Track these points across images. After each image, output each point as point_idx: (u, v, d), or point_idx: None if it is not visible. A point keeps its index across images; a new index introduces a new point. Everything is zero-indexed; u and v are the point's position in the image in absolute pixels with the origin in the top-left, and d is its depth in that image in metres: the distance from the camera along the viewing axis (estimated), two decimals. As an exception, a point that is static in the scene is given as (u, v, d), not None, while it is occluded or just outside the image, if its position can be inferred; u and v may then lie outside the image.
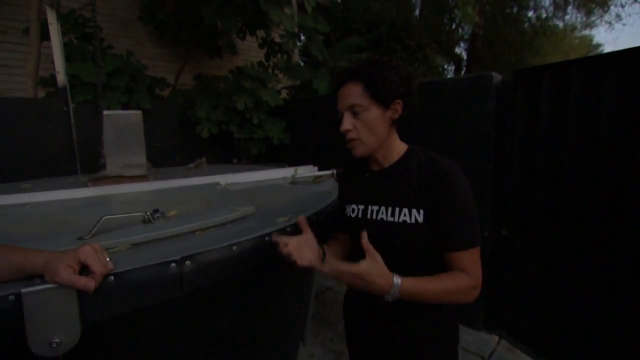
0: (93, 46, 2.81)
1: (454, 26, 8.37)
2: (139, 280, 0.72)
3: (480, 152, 2.26)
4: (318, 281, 2.87)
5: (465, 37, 9.11)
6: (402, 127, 0.97)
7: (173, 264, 0.76)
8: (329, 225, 1.20)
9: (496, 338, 2.41)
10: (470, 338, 2.41)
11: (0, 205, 1.36)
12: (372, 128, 0.89)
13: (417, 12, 7.94)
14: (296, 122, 3.92)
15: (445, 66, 9.91)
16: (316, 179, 2.04)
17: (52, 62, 2.80)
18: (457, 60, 9.64)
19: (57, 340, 0.63)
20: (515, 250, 2.23)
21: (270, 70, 4.06)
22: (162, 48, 4.93)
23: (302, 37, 4.43)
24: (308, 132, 3.78)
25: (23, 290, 0.61)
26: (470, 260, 0.86)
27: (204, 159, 2.91)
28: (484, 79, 2.20)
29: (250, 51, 4.62)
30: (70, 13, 3.49)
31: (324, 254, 0.99)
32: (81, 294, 0.64)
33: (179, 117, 3.88)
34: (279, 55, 3.95)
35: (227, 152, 4.19)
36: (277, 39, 3.63)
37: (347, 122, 0.90)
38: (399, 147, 0.97)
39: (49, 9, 2.76)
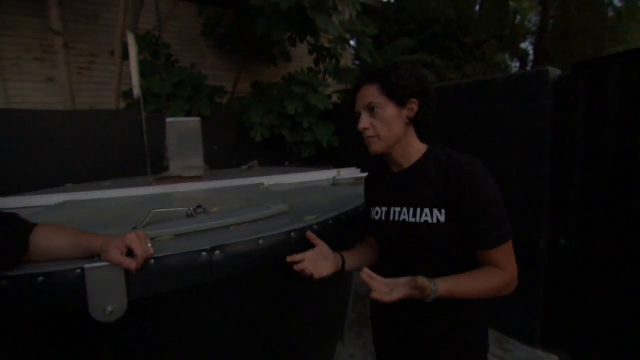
0: (159, 62, 3.17)
1: (518, 19, 7.75)
2: (175, 265, 0.83)
3: (535, 153, 2.10)
4: (360, 283, 2.88)
5: (533, 29, 8.37)
6: (420, 127, 0.98)
7: (204, 253, 0.86)
8: (361, 226, 1.23)
9: (555, 358, 2.20)
10: (523, 355, 2.23)
11: (82, 200, 1.62)
12: (388, 125, 0.92)
13: (477, 8, 7.53)
14: (345, 126, 3.98)
15: (509, 63, 9.18)
16: (357, 181, 2.07)
17: (131, 77, 3.23)
18: (522, 56, 8.89)
19: (110, 309, 0.76)
20: (577, 261, 2.03)
21: (320, 75, 4.18)
22: (221, 59, 5.34)
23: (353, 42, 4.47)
24: (357, 135, 3.80)
25: (86, 266, 0.76)
26: (505, 256, 0.86)
27: (255, 161, 3.11)
28: (539, 74, 2.05)
29: (303, 57, 4.80)
30: (146, 34, 3.97)
31: (343, 261, 1.03)
32: (128, 272, 0.77)
33: (236, 123, 4.16)
34: (327, 60, 4.05)
35: (279, 155, 4.39)
36: (327, 44, 3.73)
37: (365, 121, 0.94)
38: (419, 148, 0.98)
39: (129, 33, 3.19)
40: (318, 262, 0.93)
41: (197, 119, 2.49)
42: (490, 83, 2.26)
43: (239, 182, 2.01)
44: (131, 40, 3.27)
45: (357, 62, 4.15)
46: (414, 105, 0.92)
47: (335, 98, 4.76)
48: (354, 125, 0.99)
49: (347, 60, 5.45)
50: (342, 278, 1.61)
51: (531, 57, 8.78)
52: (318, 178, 2.18)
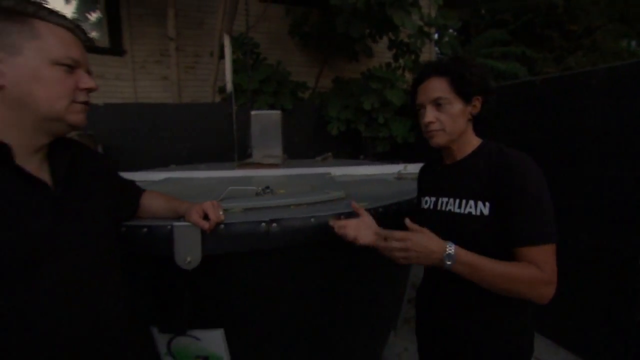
0: (247, 61, 3.53)
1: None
2: (239, 232, 1.00)
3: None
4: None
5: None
6: (478, 123, 0.98)
7: (263, 224, 1.02)
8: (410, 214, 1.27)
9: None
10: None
11: (180, 178, 1.95)
12: (454, 120, 0.93)
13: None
14: (423, 122, 3.87)
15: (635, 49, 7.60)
16: (422, 176, 2.06)
17: (225, 74, 3.66)
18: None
19: (189, 259, 0.97)
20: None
21: (400, 70, 4.14)
22: (306, 56, 5.63)
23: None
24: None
25: (174, 224, 0.97)
26: (542, 258, 0.81)
27: (330, 153, 3.26)
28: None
29: (385, 53, 4.79)
30: (239, 36, 4.42)
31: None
32: (203, 232, 0.96)
33: (315, 117, 4.38)
34: (406, 55, 3.98)
35: (354, 148, 4.49)
36: (407, 40, 3.67)
37: (431, 115, 0.95)
38: (473, 142, 0.98)
39: (225, 35, 3.61)
40: (360, 229, 0.97)
41: (278, 111, 2.73)
42: (586, 76, 2.00)
43: (310, 171, 2.17)
44: (226, 42, 3.69)
45: (440, 56, 4.00)
46: (477, 102, 0.93)
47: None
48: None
49: (430, 55, 5.25)
50: (397, 265, 1.66)
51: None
52: (384, 171, 2.22)
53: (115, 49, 4.82)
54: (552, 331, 2.29)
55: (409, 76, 4.16)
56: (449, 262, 0.81)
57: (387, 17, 2.89)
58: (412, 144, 4.02)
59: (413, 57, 3.91)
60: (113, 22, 4.80)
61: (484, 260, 0.81)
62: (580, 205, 2.07)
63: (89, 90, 0.71)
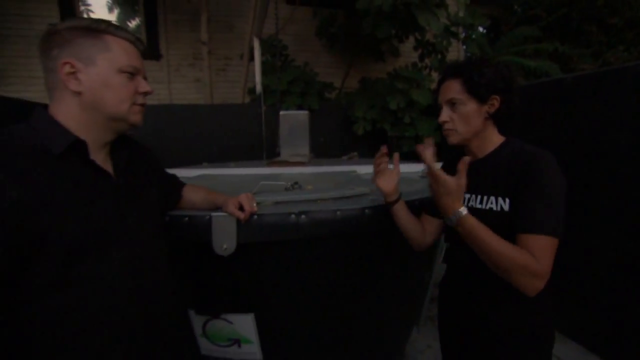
0: (275, 62, 3.65)
1: None
2: (271, 222, 1.09)
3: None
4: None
5: None
6: (501, 121, 1.01)
7: (293, 215, 1.10)
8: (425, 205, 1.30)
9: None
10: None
11: (214, 174, 2.08)
12: (467, 120, 0.98)
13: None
14: (450, 121, 3.83)
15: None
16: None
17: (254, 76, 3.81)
18: None
19: (225, 246, 1.06)
20: None
21: (426, 70, 4.12)
22: (333, 57, 5.71)
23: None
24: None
25: (212, 214, 1.07)
26: (540, 249, 0.82)
27: (355, 153, 3.32)
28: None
29: (411, 52, 4.78)
30: (268, 38, 4.56)
31: (399, 200, 1.13)
32: (238, 222, 1.05)
33: (341, 116, 4.44)
34: (432, 55, 3.96)
35: (380, 148, 4.51)
36: (433, 40, 3.66)
37: (445, 114, 1.01)
38: (495, 140, 1.01)
39: (255, 38, 3.76)
40: (387, 175, 1.12)
41: (306, 112, 2.82)
42: (622, 73, 1.94)
43: (336, 169, 2.25)
44: (256, 44, 3.84)
45: (468, 55, 3.95)
46: (495, 101, 0.96)
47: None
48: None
49: (458, 53, 5.17)
50: (420, 260, 1.70)
51: None
52: (408, 170, 2.25)
53: (153, 53, 5.11)
54: (584, 337, 2.23)
55: (435, 76, 4.14)
56: (449, 222, 0.88)
57: (413, 18, 2.90)
58: (439, 143, 3.98)
59: (439, 56, 3.88)
60: (151, 29, 5.09)
61: (485, 231, 0.84)
62: (614, 206, 2.01)
63: (146, 94, 0.82)
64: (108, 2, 5.45)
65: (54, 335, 0.68)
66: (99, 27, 0.74)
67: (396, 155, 1.15)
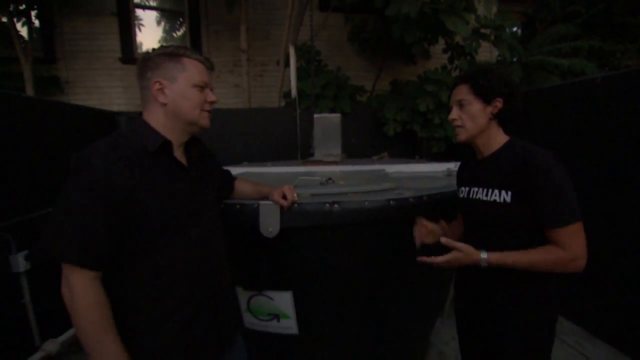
0: (310, 68, 3.86)
1: None
2: (309, 210, 1.28)
3: None
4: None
5: None
6: (505, 122, 1.14)
7: (327, 204, 1.28)
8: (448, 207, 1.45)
9: None
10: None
11: (255, 172, 2.32)
12: (473, 119, 1.13)
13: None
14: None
15: None
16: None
17: (290, 81, 4.05)
18: None
19: (270, 230, 1.27)
20: None
21: (456, 72, 4.16)
22: (364, 61, 5.86)
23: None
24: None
25: (260, 202, 1.28)
26: (570, 236, 0.98)
27: (385, 153, 3.45)
28: None
29: (442, 54, 4.82)
30: (303, 45, 4.79)
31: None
32: (282, 209, 1.25)
33: (372, 118, 4.57)
34: (462, 57, 3.99)
35: (410, 149, 4.60)
36: (462, 42, 3.70)
37: (454, 113, 1.17)
38: (500, 139, 1.15)
39: (290, 45, 4.00)
40: (423, 231, 1.25)
41: (338, 115, 3.00)
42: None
43: (366, 168, 2.41)
44: (291, 51, 4.08)
45: (499, 57, 3.94)
46: (498, 103, 1.10)
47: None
48: None
49: (491, 54, 5.12)
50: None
51: None
52: (435, 169, 2.37)
53: (196, 61, 5.51)
54: (615, 339, 2.23)
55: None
56: (483, 265, 1.04)
57: (441, 23, 2.99)
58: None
59: (468, 58, 3.91)
60: (195, 38, 5.50)
61: (510, 257, 1.01)
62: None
63: (212, 103, 1.04)
64: (157, 16, 5.95)
65: (151, 286, 0.91)
66: (179, 52, 0.96)
67: (442, 224, 1.31)
